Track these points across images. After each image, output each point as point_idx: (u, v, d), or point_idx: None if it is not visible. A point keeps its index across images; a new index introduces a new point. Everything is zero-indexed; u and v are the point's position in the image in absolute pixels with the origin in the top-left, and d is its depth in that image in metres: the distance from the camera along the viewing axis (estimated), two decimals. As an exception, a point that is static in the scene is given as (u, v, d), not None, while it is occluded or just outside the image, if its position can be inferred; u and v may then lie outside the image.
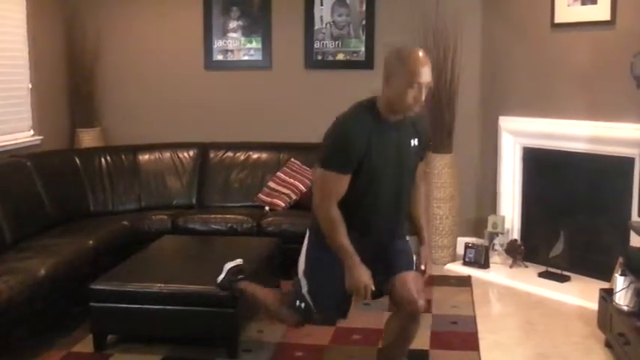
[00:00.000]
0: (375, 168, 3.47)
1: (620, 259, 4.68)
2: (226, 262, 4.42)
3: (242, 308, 4.46)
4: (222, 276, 4.37)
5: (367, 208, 3.57)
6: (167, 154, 6.81)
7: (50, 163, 6.17)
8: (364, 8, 6.87)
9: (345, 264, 3.51)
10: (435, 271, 6.34)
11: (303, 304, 3.75)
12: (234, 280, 4.33)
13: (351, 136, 3.42)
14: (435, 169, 6.46)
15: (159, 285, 4.52)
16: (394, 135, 3.51)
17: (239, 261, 4.44)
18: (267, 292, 4.22)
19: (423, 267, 3.78)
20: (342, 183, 3.46)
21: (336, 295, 3.67)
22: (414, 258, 3.80)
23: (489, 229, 6.44)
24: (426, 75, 3.37)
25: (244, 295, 4.29)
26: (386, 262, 3.68)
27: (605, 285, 5.10)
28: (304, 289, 3.73)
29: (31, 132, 6.61)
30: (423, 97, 3.40)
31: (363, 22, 6.89)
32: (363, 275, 3.48)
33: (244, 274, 4.39)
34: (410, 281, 3.63)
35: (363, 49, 6.89)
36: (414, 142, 3.60)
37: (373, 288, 3.49)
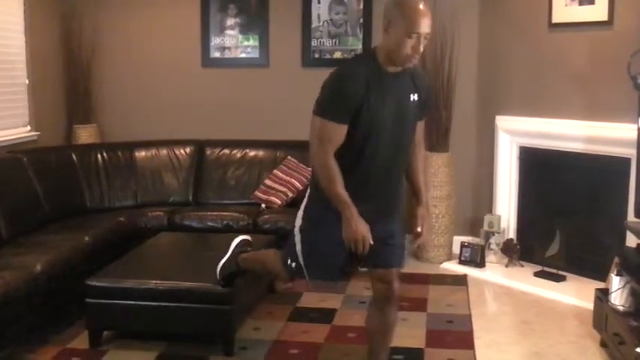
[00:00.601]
0: (373, 118, 3.39)
1: (616, 259, 4.68)
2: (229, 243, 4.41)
3: (238, 305, 4.46)
4: (226, 257, 4.35)
5: (365, 163, 3.47)
6: (164, 151, 6.80)
7: (47, 159, 6.16)
8: (361, 6, 6.87)
9: (343, 215, 3.41)
10: (431, 269, 6.37)
11: (294, 264, 3.70)
12: (241, 251, 4.31)
13: (348, 83, 3.36)
14: (432, 168, 6.46)
15: (155, 281, 4.52)
16: (393, 86, 3.45)
17: (247, 236, 4.44)
18: (267, 252, 4.22)
19: (419, 229, 3.71)
20: (339, 132, 3.39)
21: (330, 256, 3.62)
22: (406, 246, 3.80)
23: (485, 228, 6.45)
24: (425, 25, 3.32)
25: (245, 266, 4.26)
26: (380, 251, 3.61)
27: (601, 285, 5.11)
28: (298, 247, 3.67)
29: (28, 128, 6.60)
30: (422, 48, 3.35)
31: (361, 20, 6.89)
32: (360, 226, 3.39)
33: (251, 247, 4.38)
34: (395, 276, 3.70)
35: (360, 47, 6.89)
36: (414, 97, 3.52)
37: (372, 242, 3.42)
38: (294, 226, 3.74)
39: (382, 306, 3.78)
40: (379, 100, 3.38)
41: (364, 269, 3.82)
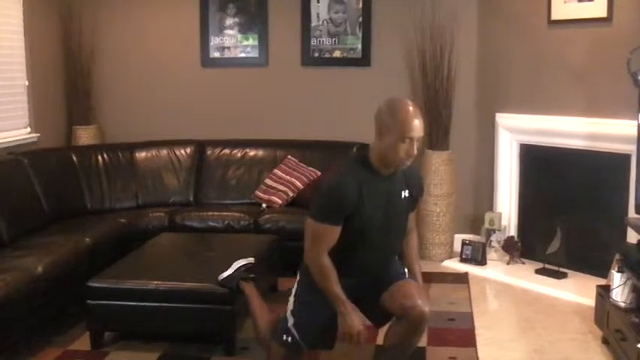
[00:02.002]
0: (366, 220, 3.53)
1: (617, 256, 4.68)
2: (236, 259, 4.47)
3: (240, 306, 4.45)
4: (228, 273, 4.39)
5: (359, 253, 3.63)
6: (164, 152, 6.80)
7: (47, 161, 6.16)
8: (361, 5, 6.86)
9: (338, 311, 3.55)
10: (432, 267, 6.37)
11: (290, 338, 3.74)
12: (244, 277, 4.36)
13: (343, 191, 3.47)
14: (432, 166, 6.46)
15: (156, 282, 4.52)
16: (385, 187, 3.58)
17: (250, 259, 4.47)
18: (263, 311, 4.19)
19: None
20: (332, 234, 3.52)
21: (325, 327, 3.67)
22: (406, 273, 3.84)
23: (486, 225, 6.44)
24: (417, 130, 3.42)
25: (245, 298, 4.30)
26: (376, 280, 3.70)
27: (602, 281, 5.11)
28: (289, 323, 3.73)
29: (28, 129, 6.60)
30: (415, 151, 3.45)
31: (360, 19, 6.88)
32: (355, 321, 3.53)
33: (254, 274, 4.42)
34: (408, 286, 3.67)
35: (359, 46, 6.89)
36: (405, 193, 3.65)
37: (366, 335, 3.57)
38: (285, 312, 3.81)
39: (409, 328, 3.64)
40: (372, 203, 3.52)
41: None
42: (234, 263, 4.43)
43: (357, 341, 3.54)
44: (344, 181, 3.51)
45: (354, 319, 3.53)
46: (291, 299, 3.80)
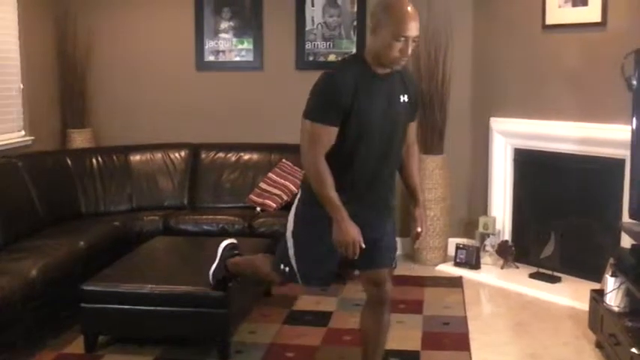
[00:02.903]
0: (363, 120, 3.37)
1: (611, 260, 4.69)
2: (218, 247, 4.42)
3: (234, 308, 4.46)
4: (216, 262, 4.36)
5: (356, 165, 3.46)
6: (158, 155, 6.80)
7: (41, 164, 6.15)
8: (355, 9, 6.88)
9: (333, 218, 3.39)
10: (426, 272, 6.38)
11: (287, 268, 3.69)
12: (229, 255, 4.31)
13: (336, 86, 3.34)
14: (427, 171, 6.47)
15: (150, 286, 4.51)
16: (383, 87, 3.43)
17: (233, 240, 4.44)
18: (256, 257, 4.21)
19: (419, 229, 3.74)
20: (329, 134, 3.38)
21: (323, 260, 3.62)
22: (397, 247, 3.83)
23: (480, 230, 6.46)
24: (413, 29, 3.29)
25: (235, 270, 4.26)
26: (371, 253, 3.58)
27: (596, 286, 5.12)
28: (290, 252, 3.65)
29: (22, 132, 6.59)
30: (410, 51, 3.33)
31: (355, 23, 6.90)
32: (351, 230, 3.37)
33: (239, 250, 4.38)
34: (387, 277, 3.72)
35: (354, 49, 6.89)
36: (404, 97, 3.51)
37: (363, 245, 3.40)
38: (285, 230, 3.73)
39: (376, 308, 3.79)
40: (368, 102, 3.37)
41: (357, 273, 3.82)
42: (219, 247, 4.37)
43: (353, 251, 3.39)
44: (338, 76, 3.38)
45: (350, 227, 3.37)
46: (291, 218, 3.69)
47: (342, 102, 3.33)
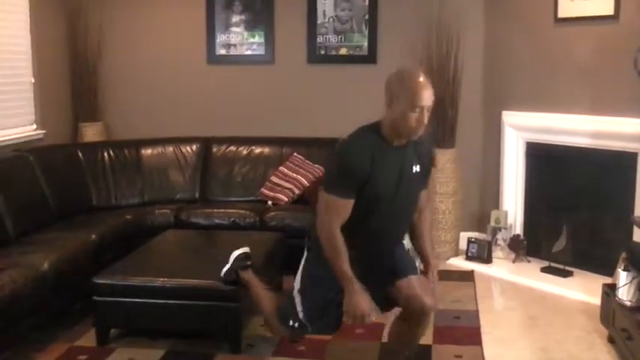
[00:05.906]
0: (378, 190, 3.47)
1: (623, 254, 4.67)
2: (231, 252, 4.43)
3: (245, 302, 4.46)
4: (227, 266, 4.38)
5: (369, 228, 3.58)
6: (170, 149, 6.81)
7: (53, 158, 6.17)
8: (367, 3, 6.86)
9: (345, 289, 3.50)
10: (438, 265, 6.35)
11: (296, 324, 3.74)
12: (242, 266, 4.34)
13: (354, 162, 3.43)
14: (439, 164, 6.45)
15: (162, 279, 4.53)
16: (397, 159, 3.52)
17: (246, 248, 4.45)
18: (265, 295, 4.18)
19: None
20: (345, 207, 3.47)
21: (334, 313, 3.66)
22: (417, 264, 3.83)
23: (492, 223, 6.44)
24: (428, 99, 3.38)
25: (246, 287, 4.29)
26: (390, 269, 3.68)
27: (608, 280, 5.09)
28: (299, 308, 3.72)
29: (34, 126, 6.61)
30: (426, 120, 3.42)
31: (366, 17, 6.88)
32: (361, 302, 3.48)
33: (251, 260, 4.40)
34: (417, 282, 3.68)
35: (365, 43, 6.88)
36: (416, 168, 3.61)
37: (373, 319, 3.52)
38: (292, 289, 3.79)
39: (411, 321, 3.73)
40: (384, 175, 3.47)
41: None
42: (231, 255, 4.41)
43: (361, 322, 3.50)
44: (356, 151, 3.47)
45: (360, 299, 3.48)
46: (298, 277, 3.77)
47: (358, 177, 3.43)
